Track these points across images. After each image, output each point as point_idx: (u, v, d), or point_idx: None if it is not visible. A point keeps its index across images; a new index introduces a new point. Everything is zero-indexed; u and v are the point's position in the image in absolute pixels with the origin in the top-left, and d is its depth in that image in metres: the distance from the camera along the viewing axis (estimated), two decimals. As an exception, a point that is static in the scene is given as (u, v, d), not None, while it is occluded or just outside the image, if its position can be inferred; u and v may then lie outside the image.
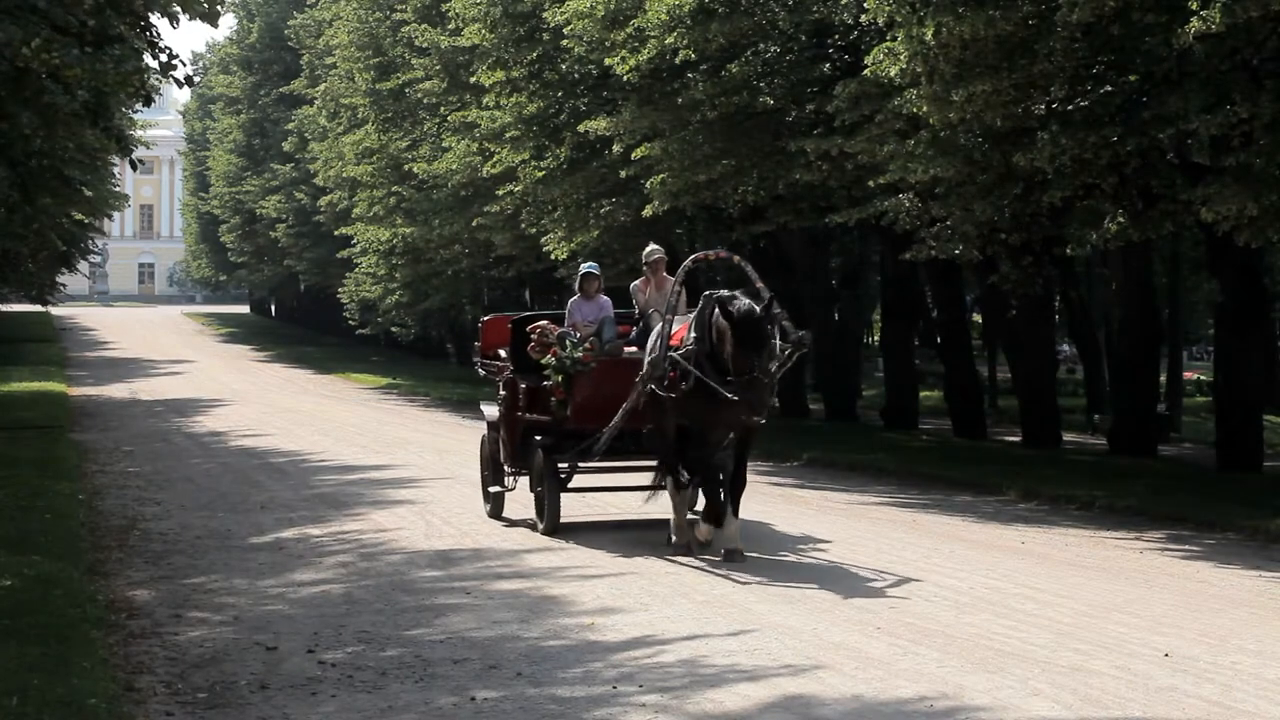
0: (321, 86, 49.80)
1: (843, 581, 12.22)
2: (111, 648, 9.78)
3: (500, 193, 32.21)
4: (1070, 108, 17.60)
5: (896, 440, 27.12)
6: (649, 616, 10.86)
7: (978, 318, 42.76)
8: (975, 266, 25.25)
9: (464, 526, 15.75)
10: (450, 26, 33.10)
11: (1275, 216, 16.21)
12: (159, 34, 14.24)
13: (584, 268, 15.98)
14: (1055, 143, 17.12)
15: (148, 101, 14.59)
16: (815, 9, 22.35)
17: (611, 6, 23.56)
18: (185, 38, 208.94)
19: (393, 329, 56.27)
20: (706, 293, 13.45)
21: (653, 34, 22.52)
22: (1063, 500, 18.18)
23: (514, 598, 11.70)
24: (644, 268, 15.37)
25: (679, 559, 13.41)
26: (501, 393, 16.20)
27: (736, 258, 14.81)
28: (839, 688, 8.69)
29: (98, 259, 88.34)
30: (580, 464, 15.07)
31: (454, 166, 34.50)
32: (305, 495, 18.71)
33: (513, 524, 15.70)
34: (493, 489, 16.30)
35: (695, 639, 10.02)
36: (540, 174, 29.77)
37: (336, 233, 50.99)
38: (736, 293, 13.13)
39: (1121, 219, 18.86)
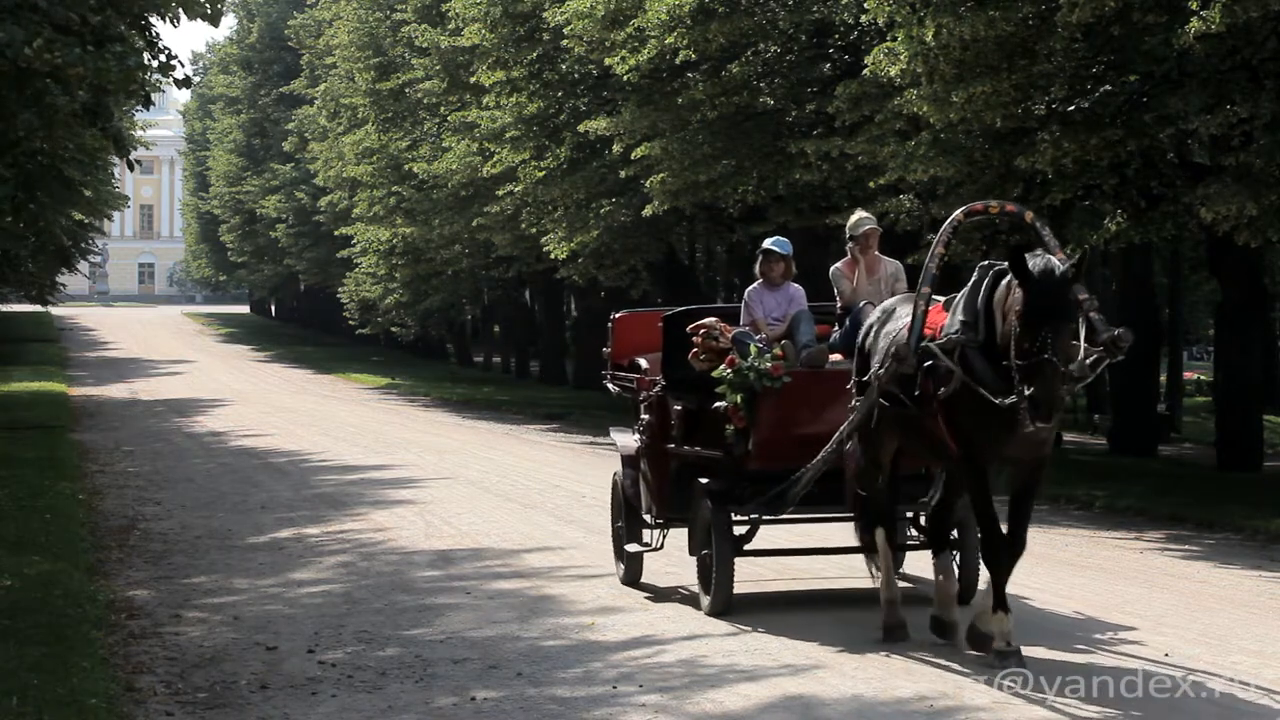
0: (321, 86, 49.81)
1: (843, 582, 12.21)
2: (111, 648, 9.78)
3: (500, 193, 32.19)
4: (1071, 108, 17.60)
5: (896, 440, 27.06)
6: (649, 616, 10.86)
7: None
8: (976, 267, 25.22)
9: (464, 526, 15.75)
10: (450, 26, 33.07)
11: (1275, 216, 16.22)
12: (159, 35, 14.27)
13: (767, 243, 11.48)
14: (1057, 145, 17.12)
15: (147, 102, 14.58)
16: (815, 9, 22.38)
17: (611, 6, 23.56)
18: (185, 38, 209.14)
19: (393, 329, 56.27)
20: (983, 263, 9.45)
21: (653, 34, 22.53)
22: (1063, 500, 18.17)
23: (513, 597, 11.70)
24: (848, 244, 11.32)
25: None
26: (644, 417, 11.83)
27: (1029, 215, 9.92)
28: (839, 688, 8.68)
29: (98, 259, 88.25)
30: (766, 518, 10.93)
31: (454, 166, 34.46)
32: (305, 495, 18.71)
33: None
34: (630, 548, 11.97)
35: (695, 639, 10.02)
36: (540, 174, 29.77)
37: (336, 233, 50.99)
38: (1036, 252, 8.99)
39: (1121, 219, 18.86)
